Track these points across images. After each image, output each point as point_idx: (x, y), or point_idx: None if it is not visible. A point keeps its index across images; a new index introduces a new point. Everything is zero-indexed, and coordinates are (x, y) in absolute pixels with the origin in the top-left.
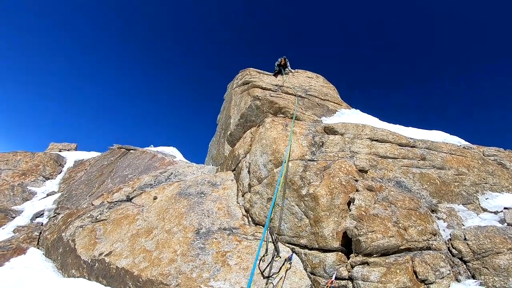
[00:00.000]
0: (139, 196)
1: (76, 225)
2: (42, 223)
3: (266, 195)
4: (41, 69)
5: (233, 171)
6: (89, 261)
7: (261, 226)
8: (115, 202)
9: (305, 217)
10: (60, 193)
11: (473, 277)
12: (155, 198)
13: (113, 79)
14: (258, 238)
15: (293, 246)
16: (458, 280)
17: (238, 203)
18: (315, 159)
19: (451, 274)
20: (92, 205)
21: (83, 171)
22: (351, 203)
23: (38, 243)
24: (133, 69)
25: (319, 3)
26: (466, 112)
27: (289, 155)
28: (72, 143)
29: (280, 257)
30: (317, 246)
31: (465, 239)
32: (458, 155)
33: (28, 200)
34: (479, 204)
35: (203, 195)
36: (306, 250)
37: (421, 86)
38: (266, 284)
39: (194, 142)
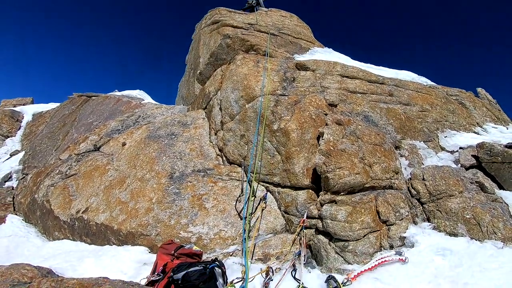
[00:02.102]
0: (107, 144)
1: (46, 184)
2: (13, 186)
3: (239, 132)
4: None
5: (204, 109)
6: (68, 221)
7: (235, 165)
8: (83, 154)
9: (277, 153)
10: (23, 152)
11: (428, 220)
12: (123, 144)
13: (68, 19)
14: (233, 178)
15: (267, 185)
16: (415, 223)
17: (211, 142)
18: (286, 94)
19: (409, 216)
20: (60, 159)
21: (43, 124)
22: (320, 138)
23: (14, 209)
24: (93, 5)
25: None
26: (434, 52)
27: (265, 89)
28: (27, 97)
29: (256, 197)
30: (289, 184)
31: (423, 179)
32: (423, 93)
33: None
34: (438, 142)
35: (173, 136)
36: (279, 188)
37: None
38: (244, 225)
39: (163, 85)
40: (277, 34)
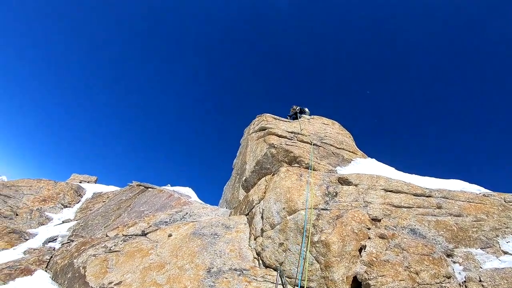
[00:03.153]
0: (154, 232)
1: (89, 253)
2: (54, 247)
3: (278, 240)
4: (69, 103)
5: (246, 215)
6: None
7: (271, 269)
8: (130, 236)
9: (316, 262)
10: (76, 221)
11: None
12: (170, 235)
13: (138, 121)
14: (267, 280)
15: None
16: None
17: (250, 246)
18: (328, 208)
19: None
20: (107, 236)
21: (101, 203)
22: (363, 250)
23: (47, 266)
24: (155, 110)
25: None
26: (486, 160)
27: (311, 203)
28: (92, 176)
29: None
30: None
31: (480, 280)
32: (476, 203)
33: (43, 224)
34: (500, 247)
35: (216, 236)
36: None
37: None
38: None
39: (209, 184)
40: (319, 144)
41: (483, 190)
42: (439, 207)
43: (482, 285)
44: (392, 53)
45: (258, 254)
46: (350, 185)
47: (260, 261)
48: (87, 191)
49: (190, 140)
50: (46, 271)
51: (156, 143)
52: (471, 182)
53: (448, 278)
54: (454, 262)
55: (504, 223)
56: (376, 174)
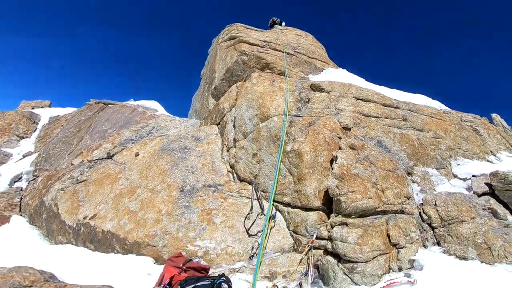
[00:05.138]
0: (120, 153)
1: (57, 188)
2: (22, 187)
3: (252, 150)
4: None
5: (217, 124)
6: (74, 226)
7: (246, 183)
8: (96, 161)
9: (289, 174)
10: (37, 154)
11: (438, 244)
12: (137, 154)
13: (88, 31)
14: (243, 195)
15: (277, 204)
16: (425, 246)
17: (223, 158)
18: (301, 115)
19: (420, 240)
20: (72, 164)
21: (59, 128)
22: (334, 161)
23: (20, 210)
24: (112, 19)
25: None
26: (449, 77)
27: (280, 109)
28: (45, 100)
29: (264, 215)
30: (299, 204)
31: (435, 204)
32: (437, 119)
33: (3, 163)
34: (451, 170)
35: (186, 150)
36: (289, 208)
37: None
38: (252, 242)
39: (176, 97)
40: (292, 53)
41: (443, 107)
42: (405, 120)
43: (437, 210)
44: None
45: (232, 167)
46: (322, 91)
47: (235, 175)
48: (42, 116)
49: (153, 52)
50: (21, 215)
51: (114, 57)
52: (433, 98)
53: (408, 199)
54: (413, 182)
55: (458, 143)
56: (348, 83)
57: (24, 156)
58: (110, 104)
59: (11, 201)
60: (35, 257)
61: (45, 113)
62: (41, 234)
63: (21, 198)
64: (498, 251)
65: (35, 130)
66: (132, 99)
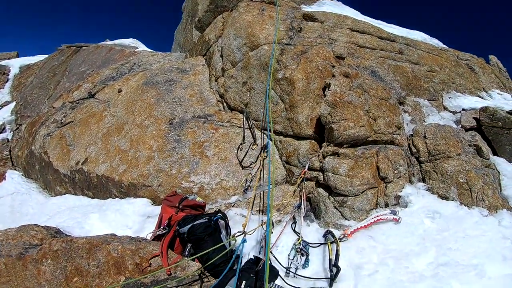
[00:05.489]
0: (102, 91)
1: (42, 134)
2: (8, 139)
3: (241, 79)
4: None
5: (203, 56)
6: (68, 174)
7: (236, 112)
8: (77, 101)
9: (280, 101)
10: (14, 102)
11: (424, 180)
12: (119, 90)
13: None
14: (234, 124)
15: (269, 133)
16: (411, 182)
17: (212, 88)
18: (292, 44)
19: (407, 175)
20: (53, 108)
21: (32, 76)
22: (327, 89)
23: (12, 164)
24: None
25: None
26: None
27: (271, 37)
28: (11, 52)
29: (257, 145)
30: (292, 132)
31: (425, 136)
32: (434, 54)
33: None
34: (442, 101)
35: (172, 82)
36: (281, 137)
37: None
38: (245, 174)
39: (156, 34)
40: None
41: (441, 45)
42: (401, 53)
43: (426, 142)
44: None
45: (221, 96)
46: (316, 21)
47: (225, 104)
48: (12, 67)
49: None
50: (15, 169)
51: None
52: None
53: (399, 129)
54: (405, 112)
55: (452, 78)
56: (343, 14)
57: (2, 106)
58: (84, 46)
59: (0, 155)
60: (38, 212)
61: (15, 64)
62: (39, 186)
63: (10, 151)
64: (477, 193)
65: (7, 81)
66: (107, 39)
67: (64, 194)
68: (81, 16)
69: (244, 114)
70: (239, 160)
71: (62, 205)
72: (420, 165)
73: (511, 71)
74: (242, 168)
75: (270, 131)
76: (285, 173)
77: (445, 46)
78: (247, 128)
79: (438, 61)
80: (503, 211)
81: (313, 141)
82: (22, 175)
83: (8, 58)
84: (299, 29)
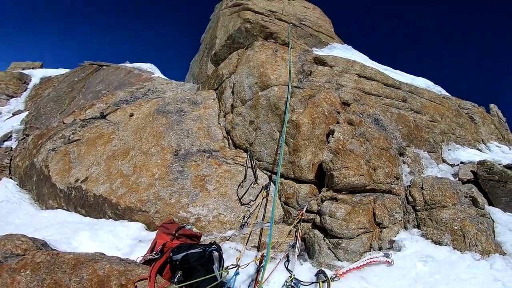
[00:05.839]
0: (114, 113)
1: (48, 148)
2: (12, 147)
3: (249, 117)
4: None
5: (215, 90)
6: (65, 190)
7: (241, 150)
8: (88, 120)
9: (284, 144)
10: (27, 112)
11: (418, 226)
12: (131, 115)
13: None
14: (237, 162)
15: (270, 174)
16: (406, 228)
17: (219, 123)
18: (302, 87)
19: (402, 221)
20: (63, 123)
21: (51, 88)
22: (330, 135)
23: (10, 172)
24: None
25: None
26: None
27: (281, 79)
28: (36, 61)
29: (258, 184)
30: (293, 176)
31: (422, 188)
32: (436, 103)
33: None
34: (441, 153)
35: (183, 113)
36: (282, 179)
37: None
38: (243, 211)
39: (174, 62)
40: (297, 25)
41: (443, 92)
42: (404, 101)
43: (423, 193)
44: None
45: (228, 132)
46: (325, 66)
47: (230, 141)
48: (33, 77)
49: (151, 14)
50: (11, 177)
51: (111, 17)
52: (435, 83)
53: (397, 179)
54: (404, 163)
55: (452, 129)
56: (352, 59)
57: (14, 114)
58: (105, 65)
59: (0, 162)
60: (26, 223)
61: (36, 74)
62: (32, 198)
63: (11, 159)
64: (470, 238)
65: (25, 90)
66: (127, 62)
67: (56, 208)
68: (106, 34)
69: (248, 153)
70: (238, 197)
71: (52, 219)
72: (416, 213)
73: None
74: (241, 205)
75: (277, 174)
76: (283, 213)
77: (447, 94)
78: (249, 167)
79: (440, 110)
80: (495, 256)
81: (313, 185)
82: (17, 184)
83: (32, 68)
84: (309, 73)
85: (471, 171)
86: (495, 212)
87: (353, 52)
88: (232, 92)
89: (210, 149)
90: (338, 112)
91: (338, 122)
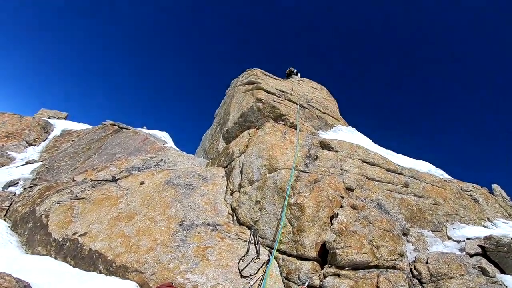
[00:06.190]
0: (125, 179)
1: (53, 200)
2: (15, 193)
3: (255, 198)
4: (39, 32)
5: (225, 167)
6: (60, 240)
7: (245, 227)
8: (99, 181)
9: (289, 224)
10: (40, 163)
11: None
12: (142, 183)
13: (114, 56)
14: (240, 238)
15: (273, 250)
16: None
17: (226, 200)
18: (308, 171)
19: None
20: (74, 180)
21: (69, 142)
22: (334, 218)
23: (5, 215)
24: (135, 51)
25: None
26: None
27: (289, 163)
28: (63, 112)
29: (260, 259)
30: (295, 253)
31: (427, 262)
32: (438, 187)
33: (4, 165)
34: (446, 232)
35: (191, 187)
36: (285, 256)
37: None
38: (243, 284)
39: (186, 132)
40: (305, 106)
41: (445, 175)
42: (406, 186)
43: (428, 267)
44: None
45: (233, 210)
46: (331, 150)
47: (235, 218)
48: (55, 128)
49: (171, 83)
50: (4, 219)
51: (136, 82)
52: (436, 165)
53: (401, 256)
54: (408, 242)
55: (456, 210)
56: (356, 144)
57: (26, 163)
58: (125, 128)
59: (0, 204)
60: (12, 264)
61: (59, 125)
62: (20, 241)
63: (11, 204)
64: None
65: (45, 140)
66: (145, 127)
67: (44, 255)
68: (128, 98)
69: (252, 230)
70: (239, 269)
71: (37, 264)
72: (422, 285)
73: None
74: (241, 277)
75: (275, 243)
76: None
77: (449, 177)
78: (252, 243)
79: (442, 194)
80: None
81: (315, 262)
82: (8, 226)
83: (57, 118)
84: (315, 157)
85: (478, 245)
86: (507, 279)
87: (357, 134)
88: (241, 172)
89: (214, 223)
90: (342, 197)
91: (341, 206)
